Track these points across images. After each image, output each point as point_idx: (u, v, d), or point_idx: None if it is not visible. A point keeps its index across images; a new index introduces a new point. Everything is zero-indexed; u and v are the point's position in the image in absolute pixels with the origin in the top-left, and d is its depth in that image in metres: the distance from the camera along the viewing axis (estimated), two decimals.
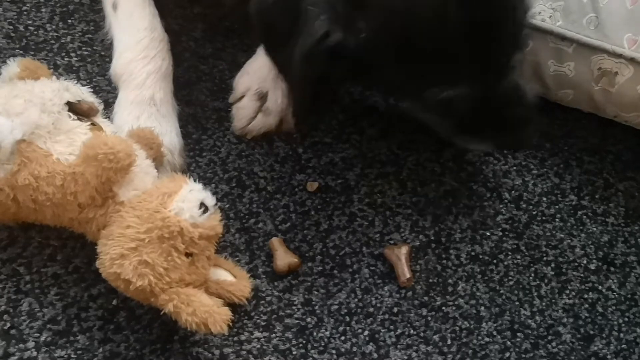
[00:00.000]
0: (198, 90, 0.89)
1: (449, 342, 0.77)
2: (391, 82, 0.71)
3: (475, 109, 0.73)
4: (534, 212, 0.88)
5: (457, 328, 0.78)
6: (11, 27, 0.90)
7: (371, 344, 0.75)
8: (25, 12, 0.91)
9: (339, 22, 0.64)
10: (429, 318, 0.78)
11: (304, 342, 0.74)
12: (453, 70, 0.68)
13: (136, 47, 0.82)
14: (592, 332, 0.80)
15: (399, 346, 0.76)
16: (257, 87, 0.86)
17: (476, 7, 0.64)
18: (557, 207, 0.89)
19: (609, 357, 0.79)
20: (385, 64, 0.68)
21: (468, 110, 0.73)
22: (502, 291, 0.81)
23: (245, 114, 0.86)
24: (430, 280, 0.80)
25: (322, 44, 0.64)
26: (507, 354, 0.77)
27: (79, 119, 0.71)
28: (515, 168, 0.91)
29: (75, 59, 0.89)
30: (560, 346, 0.79)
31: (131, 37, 0.83)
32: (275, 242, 0.79)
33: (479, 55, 0.67)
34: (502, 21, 0.68)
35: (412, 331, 0.77)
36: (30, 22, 0.91)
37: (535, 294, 0.82)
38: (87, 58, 0.89)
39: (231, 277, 0.73)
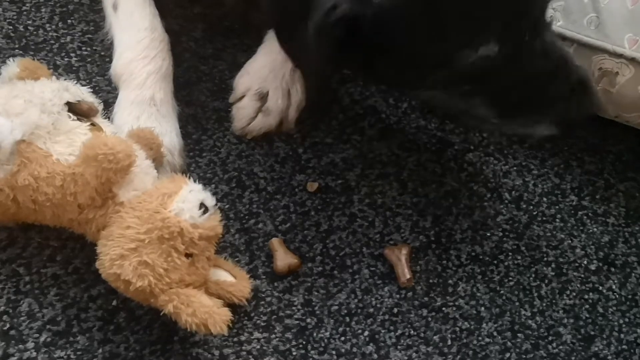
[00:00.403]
0: (198, 90, 0.89)
1: (449, 342, 0.77)
2: (410, 59, 0.65)
3: (515, 79, 0.66)
4: (535, 213, 0.88)
5: (458, 329, 0.78)
6: (11, 27, 0.90)
7: (371, 344, 0.75)
8: (25, 12, 0.91)
9: None
10: (429, 319, 0.78)
11: (304, 342, 0.74)
12: (482, 24, 0.62)
13: (137, 47, 0.82)
14: (592, 333, 0.80)
15: (399, 347, 0.76)
16: (258, 87, 0.86)
17: None
18: (557, 207, 0.88)
19: (609, 357, 0.79)
20: (402, 33, 0.62)
21: (507, 82, 0.66)
22: (502, 292, 0.81)
23: (246, 114, 0.86)
24: (431, 281, 0.80)
25: (330, 17, 0.60)
26: (508, 355, 0.77)
27: (78, 119, 0.71)
28: (515, 168, 0.91)
29: (75, 59, 0.88)
30: (560, 347, 0.79)
31: (132, 37, 0.83)
32: (275, 243, 0.79)
33: (509, 3, 0.62)
34: None
35: (412, 332, 0.77)
36: (30, 22, 0.91)
37: (536, 294, 0.82)
38: (86, 58, 0.89)
39: (231, 277, 0.73)
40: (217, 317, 0.64)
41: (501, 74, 0.66)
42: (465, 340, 0.77)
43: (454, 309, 0.79)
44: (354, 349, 0.75)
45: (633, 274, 0.85)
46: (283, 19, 0.70)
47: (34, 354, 0.69)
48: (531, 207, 0.88)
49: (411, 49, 0.64)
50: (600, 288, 0.83)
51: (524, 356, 0.77)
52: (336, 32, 0.62)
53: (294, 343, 0.74)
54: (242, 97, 0.86)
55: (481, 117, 0.72)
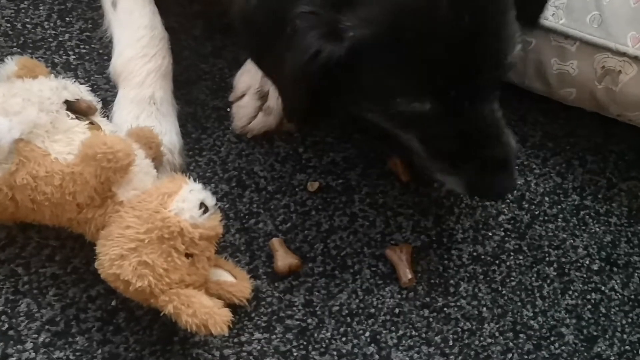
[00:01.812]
0: (198, 89, 0.88)
1: (450, 343, 0.76)
2: (365, 88, 0.67)
3: (447, 136, 0.68)
4: (536, 212, 0.87)
5: (459, 329, 0.77)
6: (9, 25, 0.89)
7: (373, 345, 0.75)
8: (22, 10, 0.91)
9: (327, 34, 0.62)
10: (431, 319, 0.77)
11: (305, 343, 0.74)
12: (425, 80, 0.64)
13: (136, 45, 0.81)
14: (595, 333, 0.80)
15: (400, 347, 0.75)
16: (258, 85, 0.85)
17: (466, 10, 0.61)
18: (559, 207, 0.88)
19: (612, 358, 0.78)
20: (366, 68, 0.64)
21: (440, 135, 0.69)
22: (504, 292, 0.81)
23: (246, 112, 0.85)
24: (432, 281, 0.80)
25: (314, 62, 0.62)
26: (510, 355, 0.77)
27: (77, 118, 0.70)
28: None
29: (73, 57, 0.88)
30: (563, 347, 0.78)
31: (131, 35, 0.82)
32: (276, 243, 0.78)
33: (456, 67, 0.63)
34: (488, 33, 0.64)
35: (413, 332, 0.76)
36: (27, 20, 0.90)
37: (538, 294, 0.81)
38: (85, 56, 0.88)
39: (231, 277, 0.72)
40: (218, 318, 0.64)
41: (431, 123, 0.68)
42: (467, 341, 0.77)
43: (456, 309, 0.79)
44: (355, 350, 0.74)
45: (636, 274, 0.85)
46: (255, 42, 0.71)
47: (33, 354, 0.69)
48: (533, 206, 0.87)
49: (367, 81, 0.66)
50: (603, 288, 0.83)
51: (526, 357, 0.77)
52: (314, 74, 0.63)
53: (294, 344, 0.74)
54: (243, 95, 0.86)
55: (414, 150, 0.74)
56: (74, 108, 0.70)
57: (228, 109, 0.87)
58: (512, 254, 0.84)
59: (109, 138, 0.66)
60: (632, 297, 0.83)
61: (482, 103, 0.68)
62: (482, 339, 0.77)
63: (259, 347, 0.73)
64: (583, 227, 0.87)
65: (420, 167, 0.77)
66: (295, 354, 0.73)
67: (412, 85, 0.65)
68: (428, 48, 0.62)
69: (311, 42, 0.62)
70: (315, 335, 0.74)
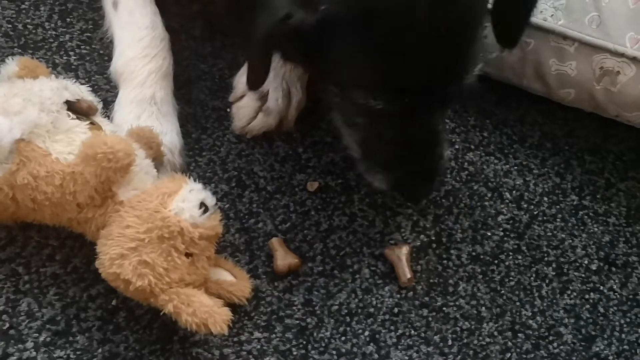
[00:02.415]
0: (197, 89, 0.89)
1: (449, 342, 0.77)
2: (329, 68, 0.67)
3: (387, 141, 0.69)
4: (535, 212, 0.87)
5: (458, 328, 0.78)
6: (10, 26, 0.89)
7: (372, 344, 0.75)
8: (23, 11, 0.91)
9: (300, 0, 0.61)
10: (430, 318, 0.78)
11: (305, 342, 0.74)
12: (385, 78, 0.63)
13: (137, 45, 0.82)
14: (593, 333, 0.80)
15: (399, 347, 0.75)
16: None
17: (442, 18, 0.60)
18: (558, 207, 0.88)
19: (610, 358, 0.79)
20: (334, 46, 0.63)
21: (379, 138, 0.69)
22: (503, 291, 0.81)
23: (246, 113, 0.86)
24: (431, 281, 0.80)
25: (283, 25, 0.61)
26: (508, 355, 0.77)
27: (78, 118, 0.70)
28: (516, 168, 0.90)
29: (74, 57, 0.88)
30: (561, 347, 0.79)
31: (132, 35, 0.82)
32: (275, 242, 0.78)
33: (418, 74, 0.62)
34: (457, 45, 0.62)
35: (412, 332, 0.77)
36: (28, 20, 0.90)
37: (537, 294, 0.81)
38: (85, 57, 0.88)
39: (231, 277, 0.73)
40: (217, 317, 0.64)
41: (379, 123, 0.68)
42: (465, 340, 0.77)
43: (455, 308, 0.79)
44: (355, 349, 0.75)
45: (634, 274, 0.85)
46: (231, 8, 0.71)
47: (34, 353, 0.69)
48: (532, 206, 0.88)
49: (333, 61, 0.65)
50: (601, 288, 0.83)
51: (525, 356, 0.77)
52: (283, 39, 0.63)
53: (294, 343, 0.74)
54: (242, 96, 0.86)
55: (349, 146, 0.76)
56: (75, 108, 0.71)
57: (228, 110, 0.87)
58: (510, 253, 0.84)
59: (110, 138, 0.66)
60: (631, 296, 0.83)
61: (431, 116, 0.68)
62: (480, 338, 0.78)
63: (258, 346, 0.73)
64: (582, 227, 0.87)
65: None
66: (294, 353, 0.73)
67: (372, 80, 0.64)
68: (397, 45, 0.61)
69: (283, 4, 0.61)
70: (315, 334, 0.75)
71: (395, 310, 0.77)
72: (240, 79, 0.87)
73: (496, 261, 0.83)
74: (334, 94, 0.70)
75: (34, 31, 0.89)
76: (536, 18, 0.86)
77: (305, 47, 0.65)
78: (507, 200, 0.88)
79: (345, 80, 0.66)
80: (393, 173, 0.74)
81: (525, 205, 0.88)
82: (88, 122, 0.71)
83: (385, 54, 0.62)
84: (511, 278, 0.82)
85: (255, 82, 0.72)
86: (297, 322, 0.75)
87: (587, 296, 0.82)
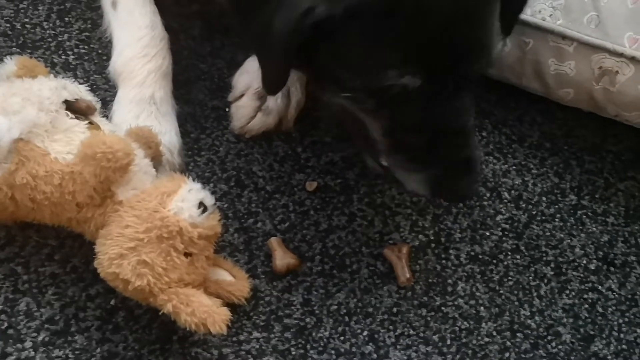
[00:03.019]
0: (197, 89, 0.89)
1: (448, 342, 0.77)
2: (351, 59, 0.64)
3: (418, 127, 0.66)
4: (534, 212, 0.87)
5: (457, 328, 0.78)
6: (8, 25, 0.89)
7: (370, 344, 0.75)
8: (22, 10, 0.91)
9: None
10: (429, 318, 0.78)
11: (303, 342, 0.74)
12: (419, 55, 0.62)
13: (137, 45, 0.81)
14: (592, 333, 0.80)
15: (398, 346, 0.75)
16: (257, 86, 0.85)
17: None
18: (557, 206, 0.88)
19: (609, 357, 0.79)
20: (357, 33, 0.61)
21: (409, 118, 0.65)
22: (501, 291, 0.81)
23: (245, 113, 0.86)
24: (430, 280, 0.80)
25: (306, 20, 0.59)
26: (507, 354, 0.77)
27: (76, 117, 0.70)
28: (515, 167, 0.91)
29: (73, 57, 0.88)
30: (560, 346, 0.79)
31: (131, 35, 0.82)
32: (274, 242, 0.78)
33: (448, 50, 0.62)
34: (481, 21, 0.63)
35: (411, 331, 0.77)
36: (27, 20, 0.90)
37: (535, 294, 0.82)
38: (84, 56, 0.88)
39: (230, 277, 0.73)
40: (216, 317, 0.64)
41: (408, 107, 0.65)
42: (464, 340, 0.77)
43: (453, 308, 0.79)
44: (353, 349, 0.75)
45: (632, 274, 0.85)
46: (242, 1, 0.68)
47: (32, 353, 0.69)
48: (530, 206, 0.88)
49: (356, 50, 0.64)
50: (600, 287, 0.83)
51: (523, 356, 0.77)
52: (305, 33, 0.61)
53: (293, 342, 0.74)
54: (241, 95, 0.86)
55: (371, 140, 0.71)
56: (74, 108, 0.71)
57: (227, 109, 0.87)
58: (509, 253, 0.84)
59: (108, 138, 0.66)
60: (629, 296, 0.83)
61: (462, 95, 0.66)
62: (479, 338, 0.78)
63: (257, 346, 0.73)
64: (580, 227, 0.87)
65: (376, 167, 0.74)
66: (293, 352, 0.73)
67: (406, 59, 0.62)
68: (424, 24, 0.61)
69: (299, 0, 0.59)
70: (314, 334, 0.75)
71: (394, 309, 0.78)
72: (240, 78, 0.87)
73: (495, 261, 0.83)
74: (345, 86, 0.67)
75: (32, 30, 0.89)
76: (535, 18, 0.86)
77: (316, 43, 0.63)
78: (505, 200, 0.88)
79: (373, 65, 0.64)
80: (428, 169, 0.68)
81: (524, 205, 0.88)
82: (87, 121, 0.71)
83: (415, 35, 0.61)
84: (510, 278, 0.82)
85: (275, 85, 0.69)
86: (296, 321, 0.75)
87: (585, 296, 0.83)
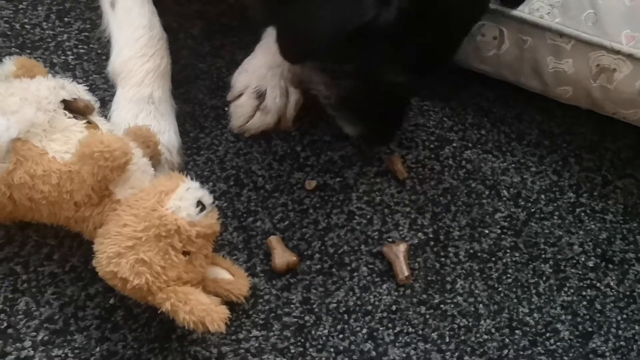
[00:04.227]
0: (196, 88, 0.89)
1: (447, 339, 0.77)
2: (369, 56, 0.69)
3: (373, 98, 0.75)
4: (533, 210, 0.87)
5: (456, 326, 0.78)
6: (7, 26, 0.89)
7: (370, 342, 0.75)
8: (21, 10, 0.91)
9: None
10: (428, 316, 0.78)
11: (303, 340, 0.74)
12: (416, 58, 0.68)
13: (135, 44, 0.82)
14: (590, 329, 0.80)
15: (397, 344, 0.75)
16: (256, 85, 0.86)
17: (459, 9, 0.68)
18: (555, 204, 0.88)
19: (607, 354, 0.79)
20: (399, 33, 0.65)
21: (366, 96, 0.75)
22: (500, 289, 0.81)
23: (244, 112, 0.86)
24: (429, 278, 0.80)
25: (370, 26, 0.61)
26: (506, 351, 0.77)
27: (74, 117, 0.70)
28: (513, 165, 0.91)
29: (72, 57, 0.88)
30: (558, 343, 0.79)
31: (130, 34, 0.82)
32: (274, 241, 0.78)
33: (435, 51, 0.69)
34: (462, 21, 0.71)
35: (410, 329, 0.77)
36: (26, 20, 0.90)
37: (534, 291, 0.82)
38: (83, 56, 0.89)
39: (229, 275, 0.73)
40: (215, 315, 0.64)
41: (376, 86, 0.73)
42: (463, 337, 0.77)
43: (452, 306, 0.79)
44: (353, 347, 0.75)
45: (631, 271, 0.85)
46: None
47: (32, 352, 0.69)
48: (529, 204, 0.88)
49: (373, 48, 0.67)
50: (598, 285, 0.83)
51: (522, 353, 0.77)
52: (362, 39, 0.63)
53: (292, 341, 0.74)
54: (240, 95, 0.86)
55: (325, 98, 0.80)
56: (72, 107, 0.71)
57: (226, 108, 0.87)
58: (508, 251, 0.84)
59: (106, 137, 0.66)
60: (627, 293, 0.83)
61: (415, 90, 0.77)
62: (478, 335, 0.78)
63: (256, 345, 0.73)
64: (579, 225, 0.87)
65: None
66: (292, 351, 0.73)
67: (408, 61, 0.68)
68: (428, 32, 0.66)
69: (372, 4, 0.60)
70: (313, 332, 0.75)
71: (393, 307, 0.78)
72: (239, 78, 0.87)
73: (494, 259, 0.83)
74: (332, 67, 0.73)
75: (31, 31, 0.89)
76: (533, 16, 0.86)
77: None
78: (504, 198, 0.88)
79: (371, 61, 0.69)
80: (366, 123, 0.79)
81: (522, 203, 0.88)
82: (85, 121, 0.71)
83: (420, 39, 0.67)
84: (508, 275, 0.82)
85: (297, 53, 0.71)
86: (295, 320, 0.75)
87: (584, 293, 0.83)
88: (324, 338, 0.75)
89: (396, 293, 0.79)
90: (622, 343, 0.80)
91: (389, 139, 0.85)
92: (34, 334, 0.70)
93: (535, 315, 0.80)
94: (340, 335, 0.75)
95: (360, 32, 0.61)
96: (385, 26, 0.62)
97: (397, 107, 0.80)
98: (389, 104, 0.77)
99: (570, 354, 0.78)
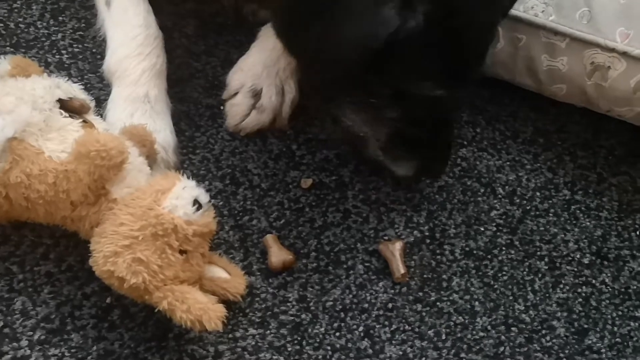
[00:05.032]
0: (191, 87, 0.89)
1: (443, 337, 0.77)
2: (401, 70, 0.66)
3: (420, 124, 0.73)
4: (528, 207, 0.88)
5: (452, 323, 0.78)
6: (2, 25, 0.89)
7: (366, 339, 0.75)
8: (15, 10, 0.91)
9: (403, 4, 0.59)
10: (424, 313, 0.78)
11: (299, 338, 0.74)
12: (451, 66, 0.67)
13: (131, 43, 0.82)
14: (586, 326, 0.81)
15: (393, 342, 0.76)
16: (251, 83, 0.86)
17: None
18: (550, 201, 0.89)
19: (603, 350, 0.79)
20: (418, 45, 0.63)
21: (413, 123, 0.72)
22: (496, 286, 0.81)
23: (239, 110, 0.86)
24: (425, 276, 0.81)
25: (399, 36, 0.59)
26: (502, 349, 0.78)
27: (70, 116, 0.70)
28: (508, 163, 0.91)
29: (67, 56, 0.88)
30: (554, 340, 0.79)
31: (126, 33, 0.82)
32: (270, 239, 0.79)
33: (465, 56, 0.68)
34: (485, 24, 0.70)
35: (406, 327, 0.77)
36: (20, 19, 0.90)
37: (529, 288, 0.82)
38: (78, 55, 0.88)
39: (225, 274, 0.73)
40: (212, 314, 0.64)
41: (418, 108, 0.71)
42: (459, 335, 0.78)
43: (448, 303, 0.79)
44: (349, 344, 0.75)
45: (626, 267, 0.86)
46: (293, 16, 0.68)
47: (28, 351, 0.69)
48: (524, 201, 0.88)
49: (404, 61, 0.66)
50: (594, 281, 0.84)
51: (518, 350, 0.78)
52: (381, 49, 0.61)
53: (289, 339, 0.74)
54: (236, 93, 0.86)
55: (367, 140, 0.77)
56: (67, 106, 0.71)
57: (221, 107, 0.87)
58: (503, 248, 0.84)
59: (102, 136, 0.66)
60: (623, 290, 0.84)
61: (460, 94, 0.73)
62: (474, 332, 0.78)
63: (253, 343, 0.73)
64: (574, 222, 0.88)
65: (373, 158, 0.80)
66: (289, 349, 0.74)
67: (444, 71, 0.66)
68: (459, 35, 0.65)
69: (390, 14, 0.58)
70: (309, 330, 0.75)
71: (390, 305, 0.78)
72: (234, 77, 0.87)
73: (489, 256, 0.83)
74: (370, 92, 0.70)
75: (26, 30, 0.89)
76: (527, 14, 0.87)
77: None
78: (500, 196, 0.88)
79: (414, 75, 0.67)
80: (418, 155, 0.76)
81: (518, 201, 0.88)
82: (81, 120, 0.71)
83: (449, 46, 0.65)
84: (504, 273, 0.83)
85: (320, 87, 0.73)
86: (292, 318, 0.75)
87: (579, 290, 0.83)
88: (320, 336, 0.75)
89: (392, 291, 0.79)
90: (617, 340, 0.80)
91: (442, 169, 0.82)
92: (31, 333, 0.70)
93: (531, 312, 0.80)
94: (337, 333, 0.75)
95: (390, 45, 0.59)
96: (414, 34, 0.60)
97: (443, 132, 0.77)
98: (436, 130, 0.74)
99: (566, 351, 0.78)
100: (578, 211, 0.89)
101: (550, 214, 0.88)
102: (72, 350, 0.70)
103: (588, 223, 0.88)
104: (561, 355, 0.78)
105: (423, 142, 0.75)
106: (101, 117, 0.79)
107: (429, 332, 0.77)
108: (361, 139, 0.77)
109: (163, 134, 0.80)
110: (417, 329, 0.77)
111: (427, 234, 0.83)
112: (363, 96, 0.71)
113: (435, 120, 0.73)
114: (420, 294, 0.79)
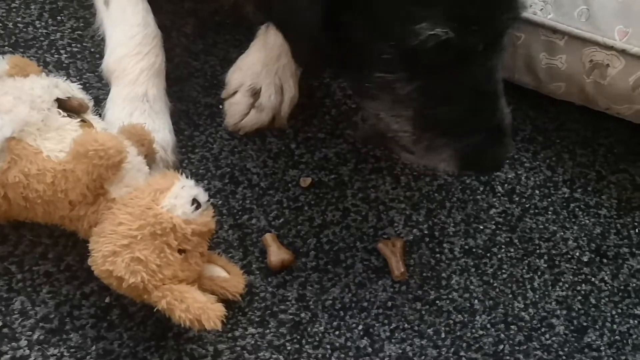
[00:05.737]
0: (190, 86, 0.89)
1: (443, 335, 0.77)
2: (385, 20, 0.61)
3: (451, 94, 0.62)
4: (527, 205, 0.88)
5: (451, 321, 0.78)
6: (0, 24, 0.89)
7: (365, 338, 0.75)
8: (14, 9, 0.91)
9: None
10: (423, 312, 0.78)
11: (299, 337, 0.74)
12: (451, 5, 0.59)
13: (129, 43, 0.81)
14: (585, 324, 0.81)
15: (393, 340, 0.76)
16: (251, 82, 0.86)
17: None
18: (549, 199, 0.89)
19: (602, 348, 0.79)
20: None
21: (443, 88, 0.62)
22: (495, 284, 0.82)
23: (238, 109, 0.86)
24: (424, 274, 0.81)
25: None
26: (501, 347, 0.78)
27: (69, 115, 0.70)
28: (508, 161, 0.91)
29: (65, 55, 0.88)
30: (553, 338, 0.79)
31: (124, 33, 0.82)
32: (269, 238, 0.79)
33: (481, 2, 0.59)
34: None
35: (406, 325, 0.77)
36: (19, 19, 0.90)
37: (529, 286, 0.82)
38: (76, 55, 0.88)
39: (225, 273, 0.73)
40: (211, 313, 0.64)
41: (441, 75, 0.62)
42: (459, 333, 0.78)
43: (448, 302, 0.79)
44: (348, 343, 0.75)
45: (625, 265, 0.86)
46: None
47: (27, 351, 0.69)
48: (524, 199, 0.88)
49: (384, 7, 0.61)
50: (593, 279, 0.84)
51: (518, 348, 0.78)
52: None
53: (288, 338, 0.74)
54: (235, 92, 0.86)
55: (399, 131, 0.68)
56: (66, 106, 0.71)
57: (220, 106, 0.87)
58: (503, 246, 0.84)
59: (101, 135, 0.66)
60: (622, 287, 0.84)
61: (492, 54, 0.62)
62: (473, 330, 0.78)
63: (252, 342, 0.73)
64: (573, 220, 0.88)
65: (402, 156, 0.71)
66: (288, 348, 0.74)
67: (438, 10, 0.59)
68: None
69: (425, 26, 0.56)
70: (309, 329, 0.75)
71: (389, 304, 0.78)
72: (233, 76, 0.87)
73: (488, 254, 0.83)
74: (374, 62, 0.63)
75: (24, 30, 0.89)
76: (526, 12, 0.86)
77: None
78: (499, 194, 0.88)
79: (404, 20, 0.60)
80: (458, 142, 0.64)
81: (517, 199, 0.88)
82: (79, 119, 0.71)
83: None
84: (503, 271, 0.83)
85: (305, 62, 0.68)
86: (291, 317, 0.75)
87: (578, 288, 0.83)
88: (320, 335, 0.75)
89: (392, 289, 0.79)
90: (617, 337, 0.80)
91: (498, 158, 0.67)
92: (30, 333, 0.70)
93: (530, 310, 0.80)
94: (336, 332, 0.75)
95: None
96: None
97: (485, 108, 0.64)
98: (475, 105, 0.63)
99: (566, 349, 0.79)
100: (577, 209, 0.89)
101: (550, 212, 0.88)
102: (71, 350, 0.70)
103: (587, 221, 0.88)
104: (560, 352, 0.78)
105: (462, 125, 0.63)
106: (100, 116, 0.79)
107: (429, 330, 0.77)
108: (390, 139, 0.69)
109: (162, 133, 0.80)
110: (416, 328, 0.77)
111: (426, 232, 0.83)
112: (369, 71, 0.64)
113: (468, 93, 0.62)
114: (420, 292, 0.79)
